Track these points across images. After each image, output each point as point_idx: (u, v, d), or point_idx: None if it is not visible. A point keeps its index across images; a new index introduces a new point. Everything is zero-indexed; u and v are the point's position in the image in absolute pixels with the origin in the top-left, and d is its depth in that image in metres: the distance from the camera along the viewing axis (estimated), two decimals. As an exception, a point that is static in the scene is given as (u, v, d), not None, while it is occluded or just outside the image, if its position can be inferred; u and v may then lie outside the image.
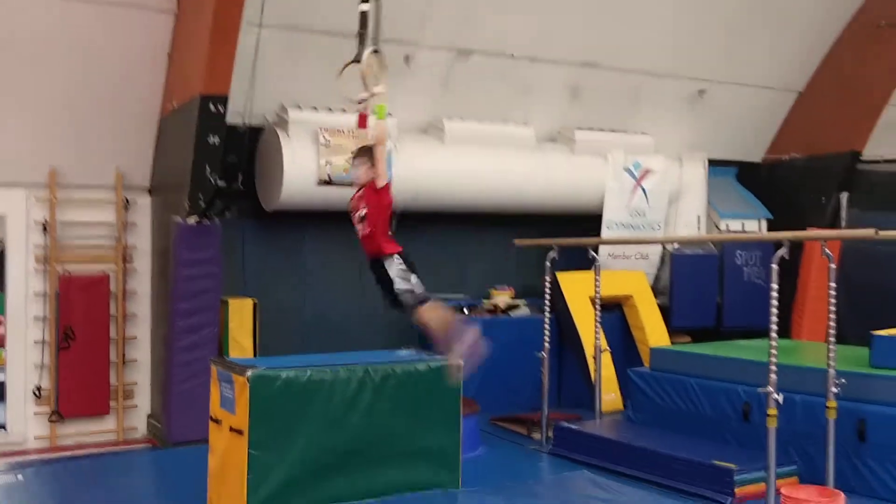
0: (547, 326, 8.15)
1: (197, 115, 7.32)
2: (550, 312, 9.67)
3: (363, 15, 5.45)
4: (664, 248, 10.63)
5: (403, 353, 6.03)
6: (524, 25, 9.24)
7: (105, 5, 7.82)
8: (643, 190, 10.33)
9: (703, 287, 10.58)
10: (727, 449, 6.99)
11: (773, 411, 5.78)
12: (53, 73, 7.97)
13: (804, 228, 10.56)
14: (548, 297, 8.25)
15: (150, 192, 8.78)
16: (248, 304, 8.44)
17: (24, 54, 7.82)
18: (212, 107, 7.31)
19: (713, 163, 11.08)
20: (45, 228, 8.21)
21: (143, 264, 8.71)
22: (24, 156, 8.12)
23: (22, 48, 7.80)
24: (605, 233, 10.16)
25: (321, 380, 5.21)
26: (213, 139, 7.42)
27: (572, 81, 9.96)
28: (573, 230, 9.87)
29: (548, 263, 8.14)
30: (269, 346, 8.54)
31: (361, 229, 5.39)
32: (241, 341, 8.35)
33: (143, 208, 8.73)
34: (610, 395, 9.53)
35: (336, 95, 8.72)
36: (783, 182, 11.49)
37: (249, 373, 5.01)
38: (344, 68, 5.40)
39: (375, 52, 5.36)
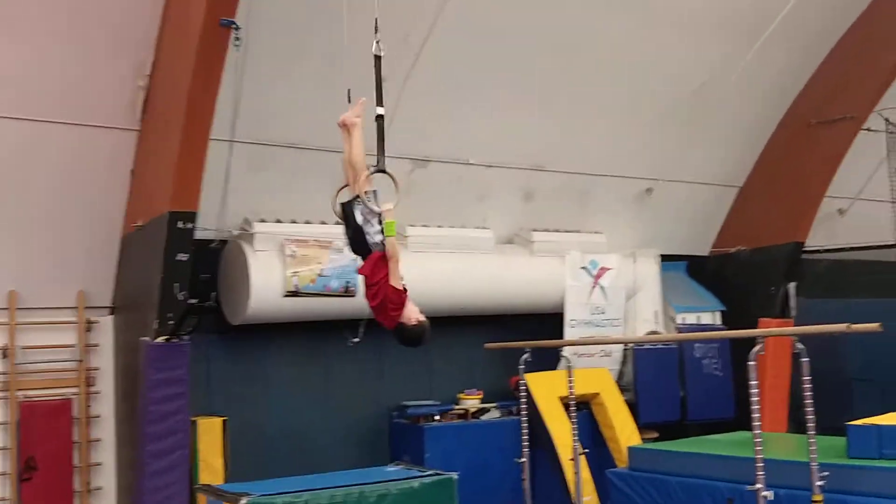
0: (525, 431, 8.12)
1: (165, 232, 7.26)
2: (515, 414, 9.70)
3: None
4: (626, 344, 10.77)
5: (392, 469, 5.92)
6: (479, 133, 9.49)
7: (64, 125, 7.79)
8: (601, 287, 10.52)
9: (666, 381, 10.73)
10: (713, 549, 6.97)
11: (764, 508, 5.81)
12: (16, 194, 7.85)
13: (756, 319, 10.88)
14: (523, 400, 8.23)
15: (113, 311, 8.60)
16: (217, 423, 8.23)
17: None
18: (180, 223, 7.26)
19: (664, 258, 11.38)
20: (4, 354, 7.94)
21: (106, 387, 8.46)
22: (-19, 280, 7.91)
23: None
24: (568, 331, 10.27)
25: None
26: (182, 256, 7.35)
27: (526, 184, 10.22)
28: (536, 329, 9.97)
29: (521, 366, 8.17)
30: (238, 466, 8.30)
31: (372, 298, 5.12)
32: (211, 462, 8.10)
33: (106, 329, 8.54)
34: (587, 497, 9.45)
35: (302, 205, 9.00)
36: (732, 274, 11.84)
37: (243, 501, 4.86)
38: (339, 191, 5.36)
39: (381, 171, 5.29)
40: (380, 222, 5.03)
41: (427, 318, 5.07)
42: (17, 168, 7.74)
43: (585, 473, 9.43)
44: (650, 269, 11.04)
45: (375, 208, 5.05)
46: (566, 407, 10.11)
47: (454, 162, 9.61)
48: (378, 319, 5.21)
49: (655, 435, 10.57)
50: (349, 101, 5.27)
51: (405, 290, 5.06)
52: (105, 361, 8.46)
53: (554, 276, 10.30)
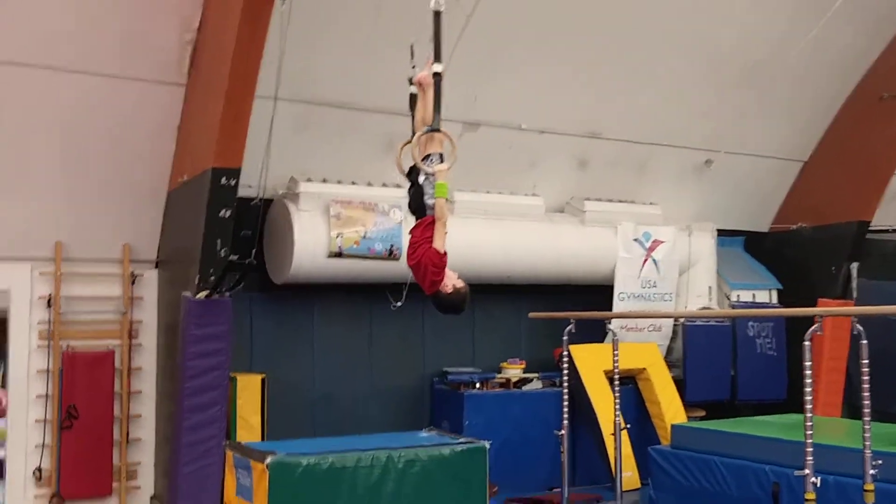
0: (566, 403, 7.94)
1: (208, 189, 7.20)
2: (558, 385, 9.53)
3: (412, 97, 5.24)
4: (676, 319, 10.48)
5: (424, 434, 5.81)
6: (532, 98, 9.23)
7: (115, 79, 7.76)
8: (654, 261, 10.23)
9: (716, 359, 10.42)
10: (757, 533, 6.74)
11: (811, 496, 5.56)
12: (62, 146, 7.88)
13: (815, 299, 10.48)
14: (565, 372, 8.05)
15: (157, 265, 8.62)
16: (256, 380, 8.22)
17: (32, 127, 7.74)
18: (223, 180, 7.19)
19: (721, 233, 11.02)
20: (49, 303, 8.02)
21: (148, 340, 8.50)
22: (29, 230, 7.98)
23: (31, 121, 7.73)
24: (617, 304, 10.02)
25: (343, 466, 4.99)
26: (225, 212, 7.29)
27: (580, 152, 9.95)
28: (584, 301, 9.76)
29: (565, 337, 7.98)
30: (276, 424, 8.31)
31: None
32: (249, 419, 8.11)
33: (150, 282, 8.56)
34: (628, 473, 9.27)
35: (348, 167, 8.89)
36: (791, 252, 11.42)
37: (269, 459, 4.80)
38: (403, 146, 5.18)
39: (435, 130, 5.09)
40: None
41: (467, 284, 4.89)
42: (69, 121, 7.74)
43: (627, 449, 9.25)
44: (706, 244, 10.70)
45: (429, 169, 4.87)
46: (610, 381, 9.96)
47: (505, 127, 9.38)
48: (419, 283, 5.05)
49: (702, 413, 10.31)
50: (412, 55, 5.07)
51: (445, 254, 4.90)
52: (148, 315, 8.50)
53: (605, 248, 10.03)
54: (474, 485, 5.43)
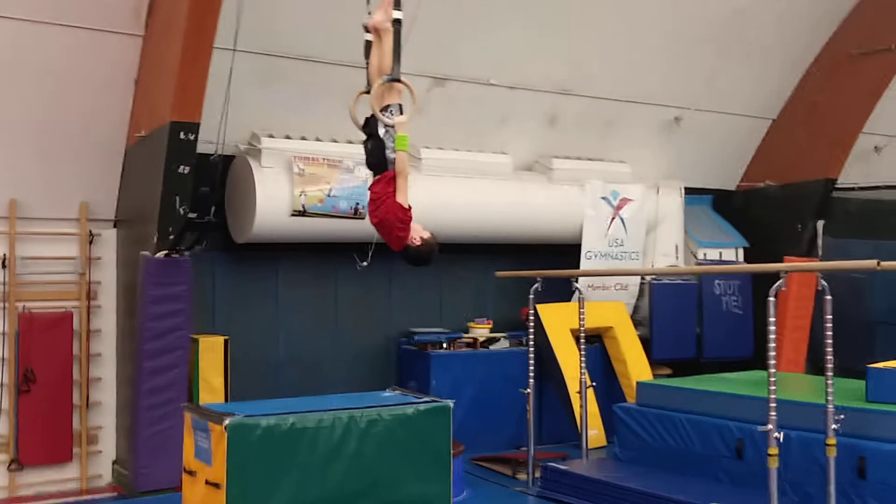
0: (532, 361, 7.88)
1: (166, 143, 7.00)
2: (525, 345, 9.50)
3: (367, 43, 5.07)
4: (643, 277, 10.47)
5: (388, 394, 5.72)
6: (502, 53, 9.06)
7: (69, 28, 7.47)
8: (621, 219, 10.18)
9: (682, 317, 10.44)
10: (721, 488, 6.79)
11: (773, 451, 5.57)
12: (14, 99, 7.59)
13: (781, 257, 10.49)
14: (531, 330, 7.99)
15: (116, 224, 8.40)
16: (219, 342, 8.06)
17: (-18, 81, 7.46)
18: (182, 134, 6.99)
19: (689, 191, 10.99)
20: (3, 264, 7.79)
21: (108, 301, 8.30)
22: (-19, 188, 7.72)
23: (-20, 75, 7.45)
24: (584, 263, 9.97)
25: (304, 427, 4.88)
26: (184, 169, 7.10)
27: (550, 109, 9.81)
28: (552, 260, 9.69)
29: (531, 296, 7.91)
30: (240, 386, 8.17)
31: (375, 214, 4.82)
32: (211, 381, 7.96)
33: (109, 241, 8.34)
34: (593, 430, 9.29)
35: (312, 123, 8.68)
36: (758, 210, 11.43)
37: (227, 421, 4.68)
38: (358, 96, 5.02)
39: (395, 80, 4.92)
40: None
41: (434, 235, 4.78)
42: (14, 71, 7.45)
43: (593, 407, 9.26)
44: (673, 202, 10.66)
45: (388, 121, 4.72)
46: (577, 339, 9.94)
47: (475, 82, 9.20)
48: (385, 240, 4.93)
49: (669, 372, 10.35)
50: (367, 1, 4.88)
51: (410, 208, 4.78)
52: (108, 275, 8.29)
53: (573, 206, 9.94)
54: (438, 444, 5.35)
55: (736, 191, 11.74)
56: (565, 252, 9.98)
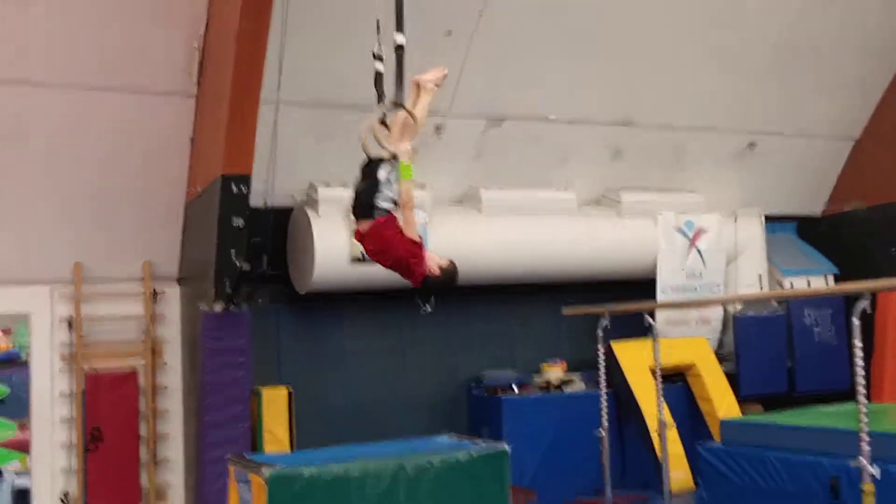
0: (604, 401, 7.48)
1: (219, 197, 6.98)
2: (607, 386, 9.13)
3: (378, 75, 4.99)
4: (726, 311, 9.94)
5: (442, 439, 5.44)
6: (557, 87, 8.84)
7: (123, 93, 7.63)
8: (698, 251, 9.72)
9: (771, 350, 9.83)
10: (816, 532, 6.22)
11: (868, 487, 5.05)
12: (74, 165, 7.76)
13: (876, 282, 9.82)
14: (602, 368, 7.61)
15: (179, 281, 8.45)
16: (282, 393, 7.95)
17: (45, 147, 7.65)
18: (234, 187, 6.97)
19: (771, 219, 10.44)
20: (70, 325, 7.89)
21: (173, 358, 8.32)
22: (47, 251, 7.88)
23: (43, 141, 7.64)
24: (661, 297, 9.52)
25: (349, 478, 4.65)
26: (237, 221, 7.06)
27: (613, 142, 9.50)
28: (627, 296, 9.26)
29: (599, 332, 7.55)
30: (307, 438, 8.02)
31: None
32: (276, 433, 7.84)
33: (172, 299, 8.39)
34: (679, 472, 8.77)
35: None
36: (847, 235, 10.78)
37: (267, 472, 4.48)
38: (367, 128, 4.92)
39: (397, 105, 4.84)
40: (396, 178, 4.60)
41: (451, 260, 4.64)
42: (72, 137, 7.62)
43: (677, 449, 8.77)
44: (753, 230, 10.14)
45: (391, 148, 4.60)
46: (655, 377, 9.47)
47: (531, 119, 9.00)
48: (404, 277, 4.77)
49: (759, 408, 9.73)
50: (378, 31, 4.77)
51: (421, 239, 4.62)
52: (172, 332, 8.32)
53: (645, 240, 9.55)
54: (494, 491, 5.03)
55: (822, 216, 11.12)
56: (641, 288, 9.56)
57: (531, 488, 7.60)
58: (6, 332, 7.81)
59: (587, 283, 9.57)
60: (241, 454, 5.27)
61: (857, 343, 5.22)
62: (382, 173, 4.60)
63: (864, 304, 5.25)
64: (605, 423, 7.43)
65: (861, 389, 5.20)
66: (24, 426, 7.82)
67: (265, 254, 6.93)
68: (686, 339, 9.61)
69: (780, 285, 10.23)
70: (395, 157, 4.54)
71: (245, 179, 7.02)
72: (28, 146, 7.59)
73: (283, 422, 7.90)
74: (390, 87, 4.73)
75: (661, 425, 7.49)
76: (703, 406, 9.38)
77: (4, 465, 7.68)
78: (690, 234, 9.69)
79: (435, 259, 4.67)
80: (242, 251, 7.20)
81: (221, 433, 7.25)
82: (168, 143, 7.96)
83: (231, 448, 7.25)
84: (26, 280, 7.85)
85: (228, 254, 7.11)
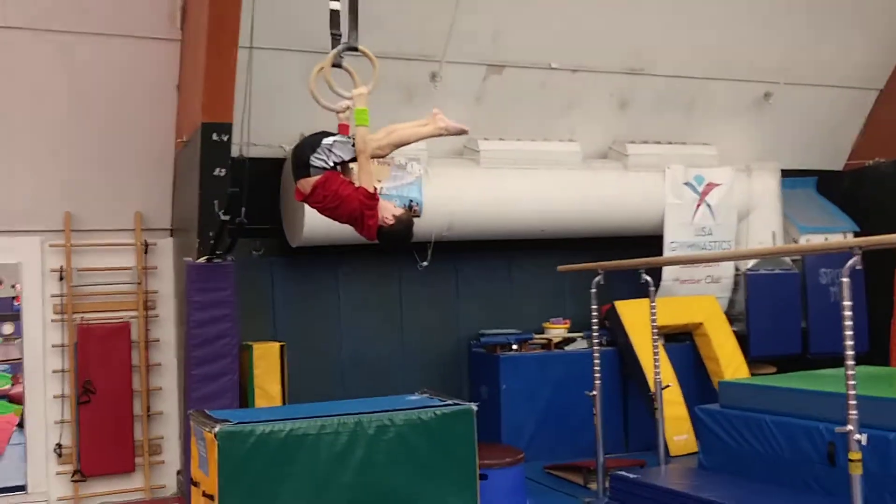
0: (597, 360, 7.27)
1: (199, 146, 6.81)
2: (605, 345, 8.96)
3: (334, 14, 4.81)
4: (737, 268, 9.61)
5: (414, 397, 5.27)
6: (562, 33, 8.48)
7: (111, 37, 7.47)
8: (708, 206, 9.37)
9: (784, 310, 9.49)
10: (812, 499, 5.98)
11: (855, 455, 4.79)
12: (63, 113, 7.65)
13: (897, 240, 9.41)
14: (595, 327, 7.40)
15: (172, 233, 8.33)
16: (274, 347, 7.82)
17: (31, 96, 7.55)
18: (214, 136, 6.78)
19: (788, 173, 10.03)
20: (60, 276, 7.81)
21: (166, 311, 8.23)
22: (37, 201, 7.79)
23: (29, 91, 7.52)
24: (668, 254, 9.22)
25: (304, 434, 4.49)
26: (219, 171, 6.89)
27: (620, 91, 9.13)
28: (634, 253, 8.98)
29: (593, 290, 7.28)
30: (300, 393, 7.91)
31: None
32: (267, 389, 7.72)
33: (165, 251, 8.29)
34: (682, 436, 8.58)
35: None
36: (870, 190, 10.33)
37: (217, 428, 4.35)
38: (316, 73, 4.75)
39: (353, 49, 4.70)
40: (353, 145, 4.54)
41: (406, 208, 4.50)
42: (58, 85, 7.48)
43: (680, 410, 8.55)
44: (768, 185, 9.74)
45: (345, 94, 4.48)
46: (666, 337, 9.23)
47: (534, 67, 8.66)
48: (358, 232, 4.61)
49: (773, 370, 9.42)
50: None
51: (376, 190, 4.45)
52: (164, 285, 8.23)
53: (653, 194, 9.22)
54: (460, 451, 4.85)
55: (843, 171, 10.68)
56: (649, 244, 9.26)
57: (521, 449, 7.42)
58: (-4, 282, 7.73)
59: (594, 238, 9.30)
60: (203, 410, 5.16)
61: (846, 302, 4.89)
62: (328, 140, 4.51)
63: (854, 260, 4.92)
64: (598, 383, 7.18)
65: (849, 351, 4.90)
66: (17, 378, 7.79)
67: (243, 206, 6.74)
68: (694, 298, 9.34)
69: (796, 242, 9.86)
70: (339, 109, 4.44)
71: (226, 128, 6.83)
72: (14, 94, 7.47)
73: (275, 377, 7.76)
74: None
75: (657, 385, 7.24)
76: (710, 367, 9.12)
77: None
78: (700, 189, 9.34)
79: (390, 208, 4.51)
80: (224, 202, 7.03)
81: (207, 388, 7.13)
82: (157, 91, 7.82)
83: (217, 403, 7.15)
84: (17, 230, 7.78)
85: (211, 205, 6.92)
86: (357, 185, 4.53)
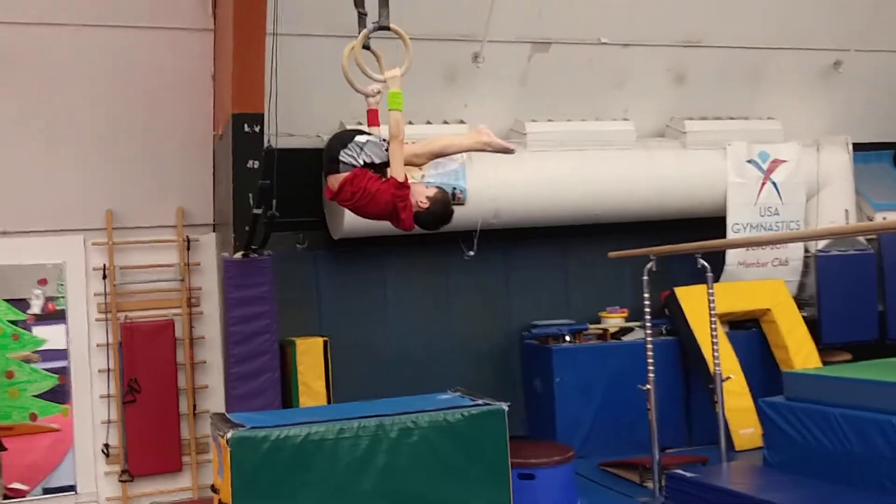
0: (650, 352, 6.85)
1: (231, 138, 6.63)
2: (666, 334, 8.58)
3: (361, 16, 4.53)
4: (807, 250, 9.04)
5: (445, 396, 4.98)
6: (611, 6, 8.05)
7: (145, 30, 7.37)
8: (773, 184, 8.82)
9: (858, 293, 8.91)
10: (885, 499, 5.49)
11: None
12: (104, 110, 7.58)
13: (985, 215, 8.73)
14: (647, 316, 6.97)
15: (215, 228, 8.19)
16: (317, 343, 7.64)
17: (74, 94, 7.47)
18: (246, 126, 6.58)
19: (861, 146, 9.40)
20: (104, 275, 7.76)
21: (210, 307, 8.09)
22: (80, 200, 7.73)
23: (71, 88, 7.45)
24: (732, 237, 8.72)
25: (321, 439, 4.24)
26: (252, 163, 6.68)
27: (676, 65, 8.65)
28: (696, 236, 8.50)
29: (645, 277, 6.87)
30: (346, 389, 7.72)
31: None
32: (311, 385, 7.55)
33: (209, 246, 8.14)
34: (748, 429, 8.10)
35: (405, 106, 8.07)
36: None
37: (229, 434, 4.13)
38: (348, 55, 4.46)
39: (384, 28, 4.42)
40: (386, 149, 4.26)
41: (439, 188, 4.23)
42: (98, 80, 7.40)
43: (746, 402, 8.07)
44: (839, 160, 9.14)
45: (378, 76, 4.20)
46: (731, 325, 8.78)
47: (582, 42, 8.25)
48: (396, 226, 4.34)
49: (848, 357, 8.85)
50: None
51: (406, 179, 4.16)
52: (208, 281, 8.09)
53: (713, 174, 8.73)
54: (490, 455, 4.53)
55: (923, 142, 9.97)
56: (713, 226, 8.76)
57: (575, 445, 7.08)
58: (42, 282, 7.71)
59: (654, 222, 8.86)
60: (223, 413, 4.96)
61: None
62: (361, 138, 4.26)
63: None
64: (651, 377, 6.78)
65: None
66: (63, 377, 7.77)
67: (273, 198, 6.53)
68: (760, 282, 8.82)
69: (871, 221, 9.23)
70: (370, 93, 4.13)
71: (257, 118, 6.60)
72: (57, 92, 7.42)
73: (318, 374, 7.59)
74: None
75: (717, 378, 6.80)
76: (778, 355, 8.60)
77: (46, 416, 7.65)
78: (765, 166, 8.81)
79: (421, 191, 4.24)
80: (257, 194, 6.84)
81: (247, 386, 6.98)
82: (196, 84, 7.67)
83: (258, 401, 7.00)
84: (60, 229, 7.73)
85: (245, 198, 6.74)
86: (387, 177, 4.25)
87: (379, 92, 4.75)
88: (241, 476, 4.11)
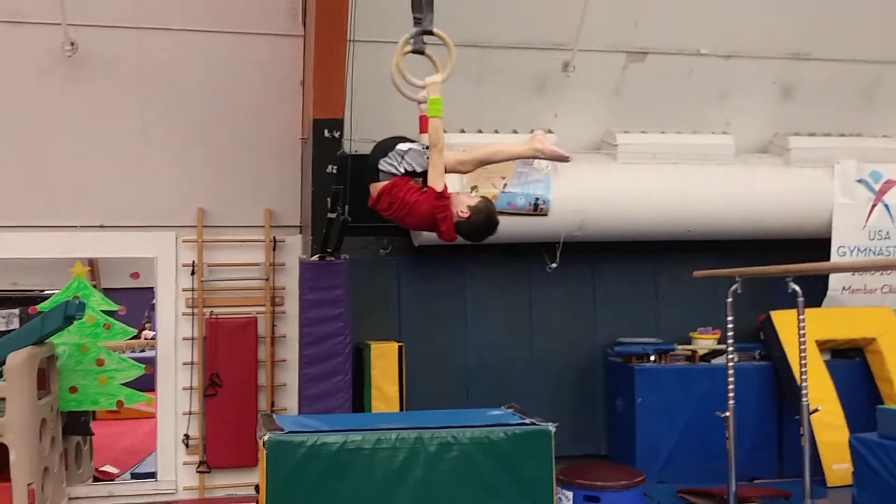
0: (731, 377, 6.52)
1: (312, 143, 6.70)
2: (759, 359, 8.22)
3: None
4: (919, 276, 8.43)
5: (496, 412, 4.84)
6: (711, 15, 7.72)
7: (238, 35, 7.54)
8: (886, 206, 8.27)
9: (978, 326, 8.22)
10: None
11: None
12: (198, 112, 7.78)
13: None
14: (730, 339, 6.64)
15: (301, 230, 8.31)
16: (392, 348, 7.63)
17: (169, 96, 7.71)
18: (326, 132, 6.64)
19: None
20: (192, 271, 7.98)
21: (292, 307, 8.19)
22: (173, 197, 7.99)
23: (167, 90, 7.69)
24: (836, 260, 8.21)
25: (357, 448, 4.19)
26: (332, 168, 6.73)
27: (782, 78, 8.22)
28: (798, 258, 8.05)
29: (729, 299, 6.53)
30: (420, 397, 7.68)
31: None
32: (385, 390, 7.55)
33: (293, 247, 8.27)
34: (843, 465, 7.55)
35: (488, 113, 7.99)
36: None
37: (266, 437, 4.13)
38: (397, 59, 4.41)
39: (428, 33, 4.34)
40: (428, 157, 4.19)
41: (483, 197, 4.11)
42: (191, 83, 7.62)
43: (842, 436, 7.54)
44: (962, 182, 8.47)
45: (418, 82, 4.12)
46: (833, 353, 8.29)
47: (681, 53, 7.95)
48: (439, 237, 4.26)
49: (964, 395, 8.19)
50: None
51: (445, 188, 4.06)
52: (291, 281, 8.20)
53: (818, 193, 8.25)
54: (533, 477, 4.36)
55: None
56: (817, 248, 8.28)
57: (652, 469, 6.82)
58: (134, 275, 8.02)
59: (755, 241, 8.45)
60: (270, 414, 4.97)
61: None
62: (403, 146, 4.19)
63: None
64: (731, 403, 6.44)
65: None
66: (149, 367, 8.05)
67: (346, 203, 6.55)
68: (867, 309, 8.29)
69: None
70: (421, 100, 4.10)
71: (337, 124, 6.65)
72: (153, 94, 7.68)
73: (392, 379, 7.58)
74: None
75: (805, 409, 6.39)
76: (882, 388, 8.05)
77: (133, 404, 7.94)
78: (877, 187, 8.26)
79: (462, 200, 4.13)
80: (338, 200, 6.87)
81: (319, 387, 7.02)
82: (286, 89, 7.80)
83: (329, 403, 7.04)
84: (154, 225, 8.03)
85: (323, 202, 6.80)
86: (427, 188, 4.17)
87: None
88: (275, 480, 4.11)
